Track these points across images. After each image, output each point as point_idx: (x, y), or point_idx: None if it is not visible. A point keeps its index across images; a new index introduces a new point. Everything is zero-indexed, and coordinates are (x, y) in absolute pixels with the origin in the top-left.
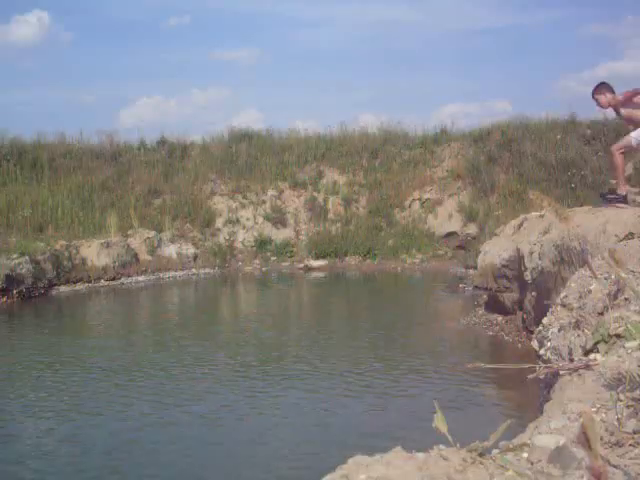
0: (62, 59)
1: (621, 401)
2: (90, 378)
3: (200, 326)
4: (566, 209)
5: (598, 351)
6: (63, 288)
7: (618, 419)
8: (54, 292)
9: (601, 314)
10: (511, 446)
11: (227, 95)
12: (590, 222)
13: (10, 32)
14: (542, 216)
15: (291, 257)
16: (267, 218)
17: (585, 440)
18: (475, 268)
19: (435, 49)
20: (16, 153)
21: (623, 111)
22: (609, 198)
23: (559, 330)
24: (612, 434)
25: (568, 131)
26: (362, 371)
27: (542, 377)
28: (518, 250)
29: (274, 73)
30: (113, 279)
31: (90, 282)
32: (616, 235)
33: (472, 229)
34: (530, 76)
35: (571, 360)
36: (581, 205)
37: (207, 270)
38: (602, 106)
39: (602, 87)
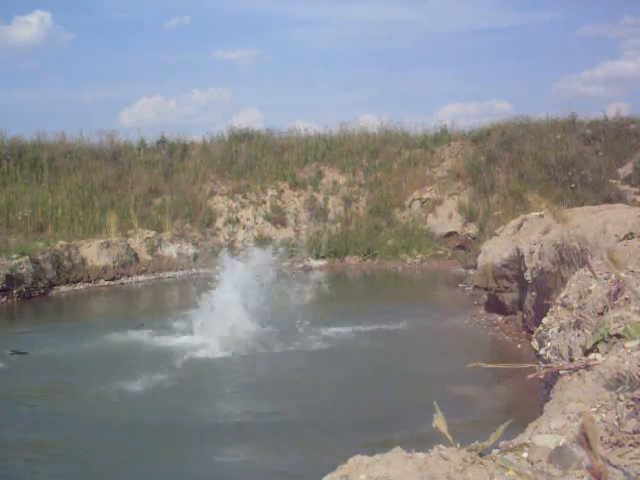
0: (63, 59)
1: (621, 401)
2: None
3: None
4: (565, 210)
5: (598, 351)
6: (63, 288)
7: (618, 419)
8: (54, 292)
9: (601, 314)
10: (511, 446)
11: (227, 95)
12: (590, 222)
13: (11, 32)
14: (542, 216)
15: (291, 257)
16: (267, 218)
17: (585, 440)
18: (475, 268)
19: (435, 49)
20: (16, 153)
21: None
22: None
23: (559, 330)
24: (612, 434)
25: (568, 131)
26: (361, 370)
27: (542, 377)
28: (518, 250)
29: (274, 73)
30: (113, 279)
31: (90, 282)
32: (616, 235)
33: (472, 229)
34: (530, 76)
35: (571, 360)
36: (581, 205)
37: (207, 270)
38: None
39: None
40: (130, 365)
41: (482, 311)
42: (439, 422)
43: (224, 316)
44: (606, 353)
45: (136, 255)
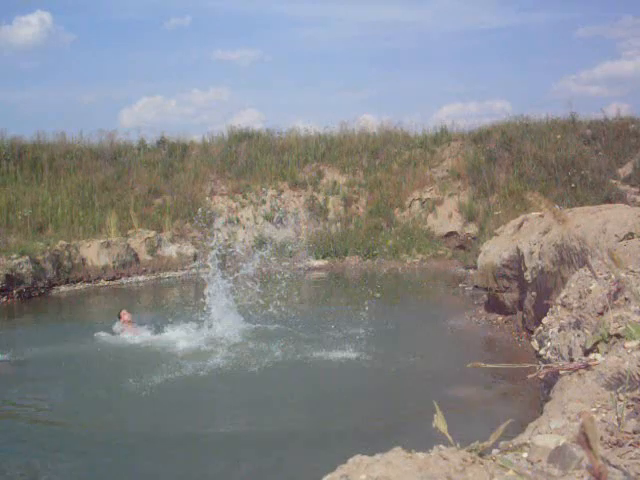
0: (63, 59)
1: (621, 401)
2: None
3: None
4: (565, 210)
5: (598, 351)
6: (63, 288)
7: (618, 419)
8: (54, 292)
9: (601, 314)
10: (511, 446)
11: (227, 95)
12: (590, 222)
13: (12, 33)
14: (542, 216)
15: (291, 257)
16: (267, 218)
17: (585, 440)
18: (475, 268)
19: (435, 49)
20: (16, 153)
21: None
22: None
23: (559, 330)
24: (612, 434)
25: (568, 131)
26: (361, 371)
27: (542, 377)
28: (518, 250)
29: (274, 73)
30: (113, 279)
31: (90, 282)
32: (616, 235)
33: (472, 229)
34: (530, 76)
35: (571, 360)
36: (581, 205)
37: (207, 270)
38: None
39: None
40: (121, 370)
41: (482, 311)
42: (439, 422)
43: (221, 320)
44: (606, 353)
45: (136, 255)
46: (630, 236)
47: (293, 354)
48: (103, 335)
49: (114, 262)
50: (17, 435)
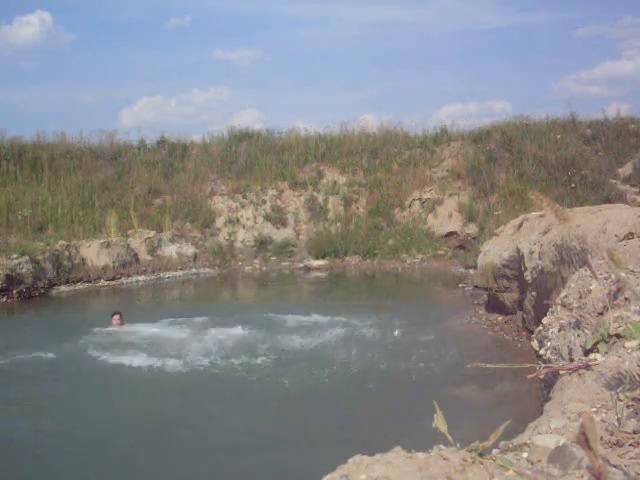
0: (63, 59)
1: (621, 401)
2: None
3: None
4: (566, 209)
5: (598, 351)
6: (63, 288)
7: (618, 419)
8: (54, 292)
9: (601, 314)
10: (511, 446)
11: (227, 95)
12: (590, 222)
13: (12, 33)
14: (542, 216)
15: (291, 257)
16: (267, 218)
17: (585, 440)
18: (475, 268)
19: (435, 49)
20: (16, 153)
21: None
22: None
23: (559, 330)
24: (612, 434)
25: (568, 131)
26: (362, 371)
27: (542, 377)
28: (518, 250)
29: (274, 73)
30: (113, 279)
31: (90, 282)
32: (616, 235)
33: (472, 229)
34: (530, 76)
35: (571, 360)
36: (581, 205)
37: (207, 270)
38: None
39: None
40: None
41: (482, 311)
42: (439, 422)
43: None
44: (606, 353)
45: (136, 255)
46: (630, 236)
47: (286, 350)
48: (99, 335)
49: (114, 262)
50: (15, 435)
